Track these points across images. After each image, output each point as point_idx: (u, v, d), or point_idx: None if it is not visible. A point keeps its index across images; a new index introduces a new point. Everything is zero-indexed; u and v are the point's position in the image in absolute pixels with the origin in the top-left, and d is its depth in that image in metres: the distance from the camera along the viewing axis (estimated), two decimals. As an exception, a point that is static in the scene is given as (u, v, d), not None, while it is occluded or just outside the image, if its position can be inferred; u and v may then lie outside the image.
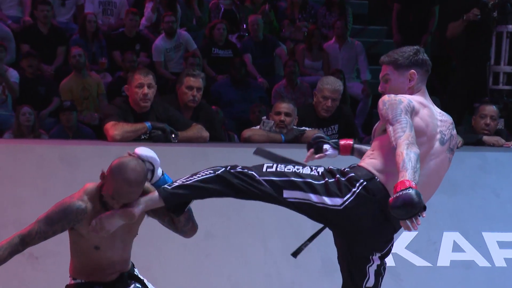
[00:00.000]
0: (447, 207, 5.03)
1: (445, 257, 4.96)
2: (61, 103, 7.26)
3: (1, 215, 4.41)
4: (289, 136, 5.39)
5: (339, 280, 4.72)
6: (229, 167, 3.22)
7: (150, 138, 4.91)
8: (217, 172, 3.21)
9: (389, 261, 4.83)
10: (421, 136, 3.13)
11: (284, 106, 5.48)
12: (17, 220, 4.37)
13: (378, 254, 3.25)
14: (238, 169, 3.21)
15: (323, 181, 3.14)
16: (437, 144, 3.22)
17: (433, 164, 3.20)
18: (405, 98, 3.14)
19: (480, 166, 5.21)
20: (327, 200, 3.12)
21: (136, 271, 3.50)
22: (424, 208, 2.89)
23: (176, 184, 3.24)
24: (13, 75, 7.33)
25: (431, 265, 4.92)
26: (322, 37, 8.77)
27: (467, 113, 7.21)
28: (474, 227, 5.04)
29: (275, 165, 3.22)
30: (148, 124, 4.93)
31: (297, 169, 3.19)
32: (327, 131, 5.72)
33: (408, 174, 2.89)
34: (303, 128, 5.49)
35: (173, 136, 4.94)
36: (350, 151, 3.54)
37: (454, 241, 5.00)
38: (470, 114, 6.42)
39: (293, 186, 3.15)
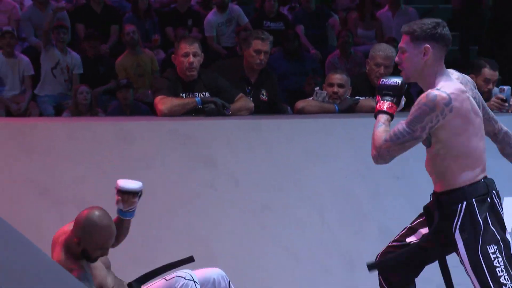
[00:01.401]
0: (507, 172, 4.93)
1: (507, 223, 4.85)
2: (118, 81, 7.35)
3: (61, 192, 4.49)
4: (343, 106, 5.34)
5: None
6: None
7: (204, 112, 4.93)
8: None
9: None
10: (468, 127, 3.16)
11: (337, 77, 5.43)
12: (76, 198, 4.45)
13: None
14: None
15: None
16: (477, 121, 3.22)
17: (480, 139, 3.22)
18: (441, 103, 3.10)
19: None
20: None
21: None
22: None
23: None
24: (74, 55, 7.46)
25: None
26: (374, 5, 8.64)
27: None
28: (535, 192, 4.93)
29: None
30: (197, 99, 4.96)
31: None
32: (381, 99, 5.66)
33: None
34: (357, 97, 5.44)
35: (225, 109, 4.95)
36: None
37: (515, 206, 4.91)
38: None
39: None
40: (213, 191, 4.58)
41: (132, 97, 7.08)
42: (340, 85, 5.39)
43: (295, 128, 4.94)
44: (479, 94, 3.35)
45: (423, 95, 3.17)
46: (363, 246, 4.71)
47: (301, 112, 5.33)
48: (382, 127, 3.23)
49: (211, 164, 4.60)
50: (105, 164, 4.59)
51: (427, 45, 3.18)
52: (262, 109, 5.46)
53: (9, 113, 7.30)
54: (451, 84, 3.18)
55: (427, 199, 4.89)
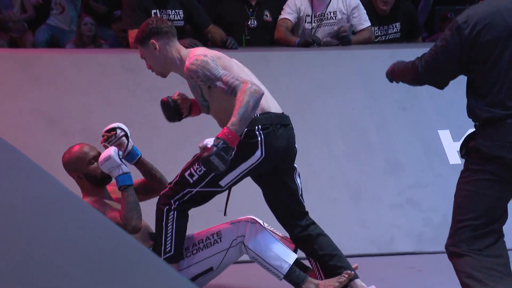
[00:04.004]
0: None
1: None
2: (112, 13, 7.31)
3: (69, 123, 4.49)
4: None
5: (403, 180, 4.72)
6: None
7: None
8: None
9: (457, 160, 4.79)
10: None
11: None
12: (84, 129, 4.45)
13: None
14: None
15: None
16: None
17: None
18: None
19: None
20: None
21: None
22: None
23: None
24: None
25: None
26: None
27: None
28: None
29: None
30: None
31: None
32: (387, 29, 5.60)
33: None
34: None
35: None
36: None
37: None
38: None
39: None
40: (220, 123, 4.57)
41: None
42: None
43: (302, 60, 4.91)
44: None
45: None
46: (369, 177, 4.73)
47: None
48: None
49: (218, 96, 4.59)
50: (112, 95, 4.57)
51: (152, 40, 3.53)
52: (268, 30, 5.35)
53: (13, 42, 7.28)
54: None
55: (433, 130, 4.90)
